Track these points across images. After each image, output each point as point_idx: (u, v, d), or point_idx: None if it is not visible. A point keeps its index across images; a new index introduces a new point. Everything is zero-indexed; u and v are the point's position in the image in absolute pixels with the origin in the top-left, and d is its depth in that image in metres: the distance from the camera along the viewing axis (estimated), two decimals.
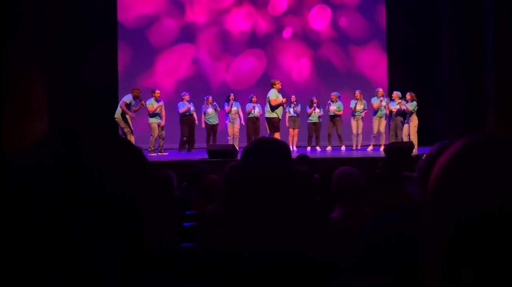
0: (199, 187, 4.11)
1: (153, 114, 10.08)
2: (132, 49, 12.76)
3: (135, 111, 9.91)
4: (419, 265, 0.69)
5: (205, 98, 10.88)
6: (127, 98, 9.75)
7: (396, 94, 10.44)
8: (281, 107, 10.00)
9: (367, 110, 10.82)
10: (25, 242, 0.56)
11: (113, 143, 0.66)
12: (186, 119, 10.56)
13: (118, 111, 9.75)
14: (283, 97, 10.06)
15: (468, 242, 0.60)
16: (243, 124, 10.80)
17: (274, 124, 9.96)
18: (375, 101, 10.54)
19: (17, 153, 0.62)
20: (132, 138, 9.59)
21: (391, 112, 10.47)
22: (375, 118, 10.56)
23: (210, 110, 10.75)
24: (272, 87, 9.95)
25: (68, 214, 0.58)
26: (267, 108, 9.97)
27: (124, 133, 9.58)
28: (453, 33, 11.17)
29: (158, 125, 10.12)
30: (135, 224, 0.63)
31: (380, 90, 10.73)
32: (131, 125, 9.78)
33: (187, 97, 10.58)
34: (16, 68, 8.80)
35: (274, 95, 9.86)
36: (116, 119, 9.73)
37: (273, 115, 9.90)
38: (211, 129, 10.79)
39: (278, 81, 10.09)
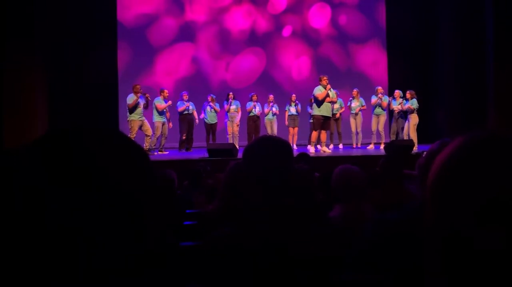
0: (200, 186, 4.12)
1: (160, 113, 10.05)
2: (132, 48, 12.76)
3: (145, 107, 9.71)
4: (421, 263, 0.70)
5: (208, 96, 10.88)
6: (130, 98, 9.54)
7: (398, 93, 10.42)
8: (328, 103, 9.46)
9: (365, 107, 10.80)
10: (29, 240, 0.56)
11: (115, 141, 0.66)
12: (184, 118, 10.56)
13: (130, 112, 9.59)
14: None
15: (468, 238, 0.60)
16: (238, 124, 10.77)
17: (317, 121, 9.51)
18: (373, 98, 10.55)
19: (19, 151, 0.62)
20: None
21: (392, 111, 10.47)
22: (373, 116, 10.57)
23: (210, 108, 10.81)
24: (319, 83, 9.53)
25: (70, 211, 0.58)
26: (314, 105, 9.60)
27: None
28: (454, 31, 11.15)
29: (163, 125, 10.10)
30: (137, 222, 0.63)
31: (380, 88, 10.70)
32: (136, 130, 9.54)
33: (186, 96, 10.60)
34: (17, 67, 8.80)
35: (318, 90, 9.42)
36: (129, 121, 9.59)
37: (317, 112, 9.43)
38: (210, 128, 10.81)
39: (325, 78, 9.55)
